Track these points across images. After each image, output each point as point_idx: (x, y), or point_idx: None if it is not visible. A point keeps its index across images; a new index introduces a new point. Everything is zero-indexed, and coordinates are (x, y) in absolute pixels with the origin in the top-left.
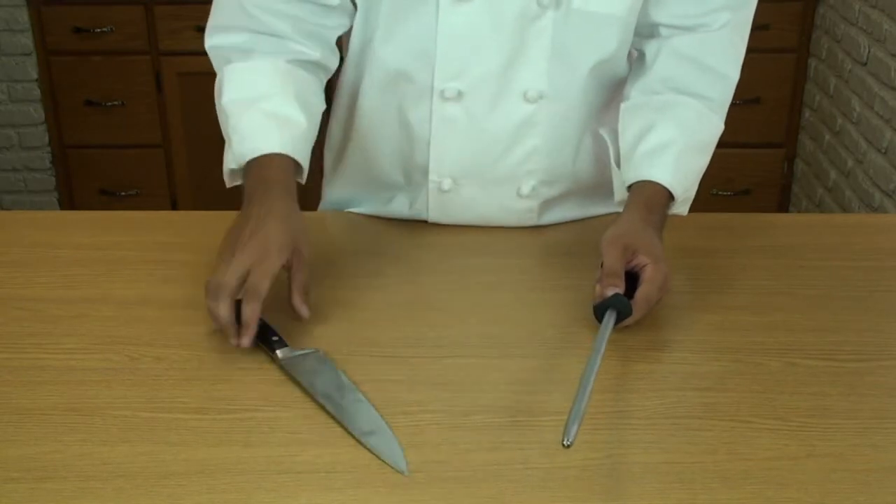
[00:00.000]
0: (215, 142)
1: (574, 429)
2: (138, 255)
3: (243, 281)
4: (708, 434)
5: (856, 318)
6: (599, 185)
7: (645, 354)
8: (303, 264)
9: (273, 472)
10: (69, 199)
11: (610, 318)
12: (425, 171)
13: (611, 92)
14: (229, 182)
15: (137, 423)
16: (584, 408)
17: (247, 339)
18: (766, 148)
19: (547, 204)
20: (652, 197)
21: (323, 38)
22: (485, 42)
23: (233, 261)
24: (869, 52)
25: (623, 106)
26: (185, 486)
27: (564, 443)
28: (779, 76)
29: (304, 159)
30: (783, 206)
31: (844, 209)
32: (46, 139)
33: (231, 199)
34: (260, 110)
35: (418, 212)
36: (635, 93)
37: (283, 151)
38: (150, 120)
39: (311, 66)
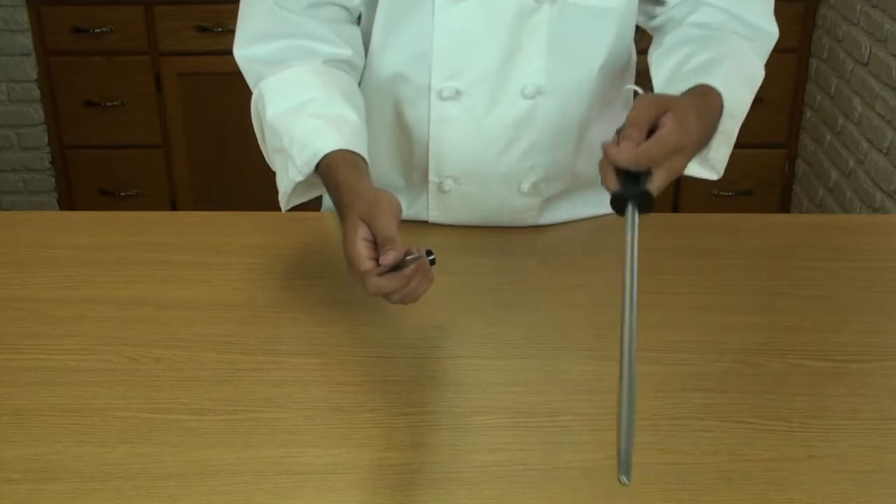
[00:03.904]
0: (215, 142)
1: (628, 461)
2: (138, 256)
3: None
4: (709, 435)
5: (857, 318)
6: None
7: (646, 355)
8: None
9: (273, 474)
10: (69, 200)
11: (632, 231)
12: (425, 173)
13: (609, 84)
14: (287, 204)
15: (137, 424)
16: (632, 431)
17: (392, 254)
18: (767, 148)
19: (548, 202)
20: (703, 94)
21: (350, 37)
22: (481, 40)
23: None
24: (870, 52)
25: (654, 54)
26: (184, 487)
27: (623, 481)
28: (780, 76)
29: (364, 152)
30: (784, 207)
31: (846, 210)
32: (46, 139)
33: (231, 200)
34: (310, 114)
35: (418, 212)
36: (667, 39)
37: (344, 148)
38: (149, 120)
39: (345, 65)
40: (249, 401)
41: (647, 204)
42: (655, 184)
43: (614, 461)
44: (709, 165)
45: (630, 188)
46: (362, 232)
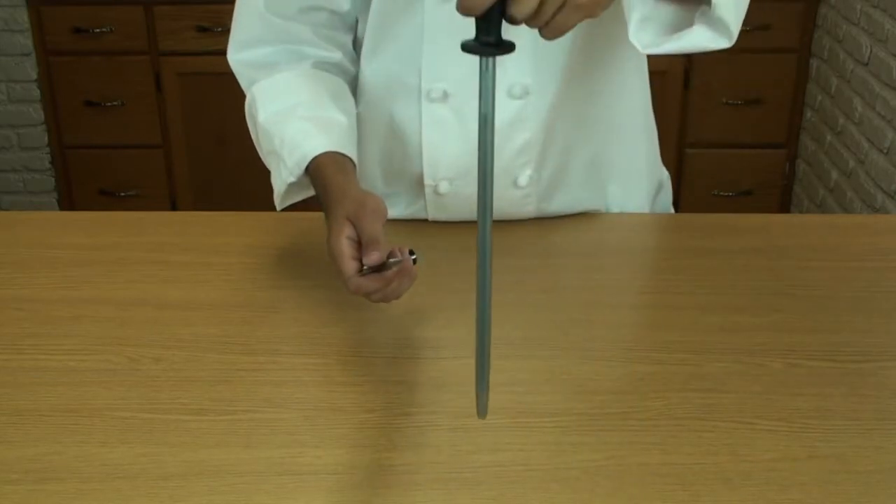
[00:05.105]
0: (215, 142)
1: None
2: (138, 256)
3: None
4: (709, 435)
5: (858, 318)
6: (601, 163)
7: (646, 356)
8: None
9: (273, 474)
10: (69, 200)
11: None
12: (420, 176)
13: (609, 78)
14: (282, 203)
15: (137, 425)
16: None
17: (376, 255)
18: (768, 148)
19: (546, 190)
20: None
21: (340, 43)
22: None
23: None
24: (870, 52)
25: None
26: (184, 488)
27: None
28: (780, 76)
29: (353, 153)
30: (785, 207)
31: (846, 210)
32: (46, 140)
33: (231, 200)
34: (299, 118)
35: (417, 211)
36: None
37: (332, 150)
38: (149, 120)
39: (335, 68)
40: (249, 401)
41: (497, 46)
42: (517, 7)
43: (615, 462)
44: (714, 20)
45: (482, 33)
46: (347, 231)
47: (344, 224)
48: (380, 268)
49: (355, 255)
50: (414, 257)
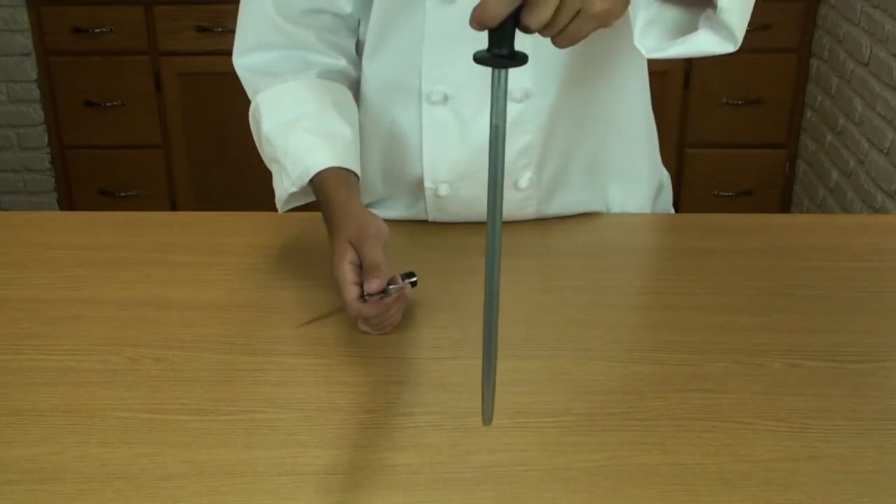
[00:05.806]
0: (215, 142)
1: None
2: (138, 256)
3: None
4: (709, 436)
5: (858, 319)
6: (601, 164)
7: (646, 356)
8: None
9: (273, 474)
10: (68, 200)
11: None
12: (420, 182)
13: (608, 79)
14: (283, 208)
15: (137, 425)
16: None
17: (377, 282)
18: (768, 148)
19: (546, 192)
20: None
21: (344, 48)
22: (468, 43)
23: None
24: (871, 52)
25: None
26: (184, 488)
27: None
28: (780, 76)
29: (356, 166)
30: (785, 207)
31: (846, 210)
32: (46, 140)
33: (231, 200)
34: (303, 129)
35: (417, 213)
36: None
37: (335, 165)
38: (149, 120)
39: (339, 75)
40: (249, 401)
41: (511, 59)
42: (532, 17)
43: (615, 462)
44: (720, 24)
45: (496, 45)
46: (350, 256)
47: (347, 249)
48: (381, 292)
49: (356, 281)
50: (414, 279)
